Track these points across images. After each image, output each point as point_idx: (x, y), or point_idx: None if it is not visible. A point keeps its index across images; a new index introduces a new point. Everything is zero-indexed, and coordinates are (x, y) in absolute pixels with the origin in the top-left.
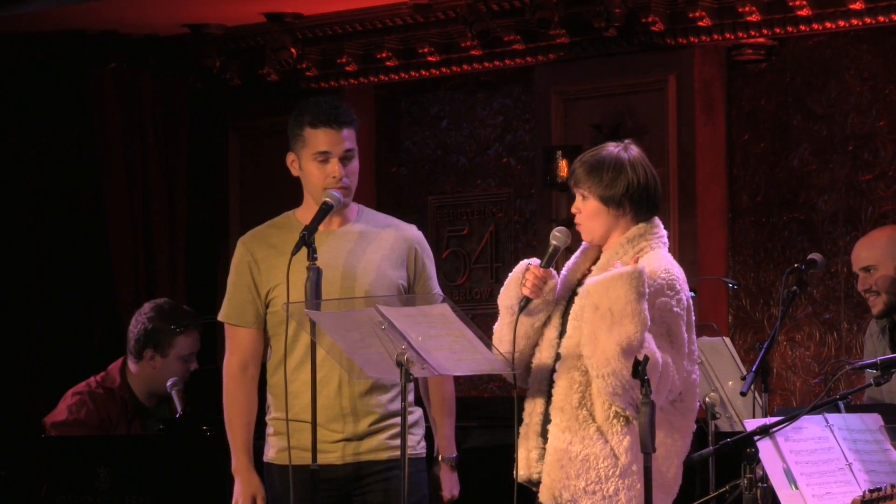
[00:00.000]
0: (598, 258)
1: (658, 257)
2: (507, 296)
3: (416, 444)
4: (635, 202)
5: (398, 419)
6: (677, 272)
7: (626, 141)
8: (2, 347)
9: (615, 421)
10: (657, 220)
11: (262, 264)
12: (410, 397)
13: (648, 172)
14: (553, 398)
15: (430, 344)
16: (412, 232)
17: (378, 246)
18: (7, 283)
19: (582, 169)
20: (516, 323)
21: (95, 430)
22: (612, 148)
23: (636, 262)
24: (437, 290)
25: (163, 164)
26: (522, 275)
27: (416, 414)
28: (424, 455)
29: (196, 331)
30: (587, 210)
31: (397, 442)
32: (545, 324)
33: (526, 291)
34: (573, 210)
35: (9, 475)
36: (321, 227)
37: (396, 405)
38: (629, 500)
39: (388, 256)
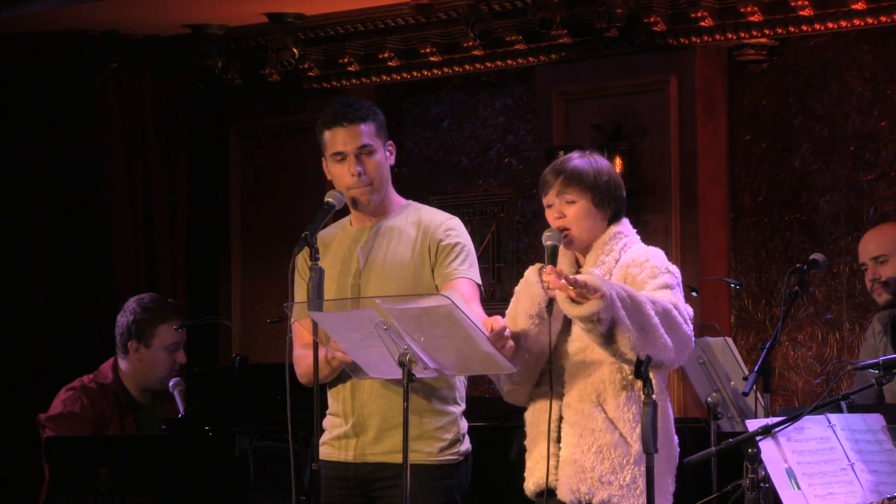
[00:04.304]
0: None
1: (638, 248)
2: (531, 304)
3: (437, 450)
4: (619, 204)
5: (424, 420)
6: (652, 254)
7: (589, 151)
8: (2, 347)
9: (625, 409)
10: (626, 220)
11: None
12: (449, 393)
13: (620, 178)
14: (564, 398)
15: (435, 344)
16: (439, 220)
17: (406, 239)
18: (8, 283)
19: (566, 175)
20: (549, 325)
21: (90, 424)
22: (587, 156)
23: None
24: (463, 269)
25: (164, 165)
26: (539, 279)
27: (447, 417)
28: (454, 461)
29: (180, 321)
30: (576, 213)
31: (419, 444)
32: None
33: (554, 294)
34: (555, 216)
35: (9, 475)
36: (358, 225)
37: (434, 405)
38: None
39: (413, 248)
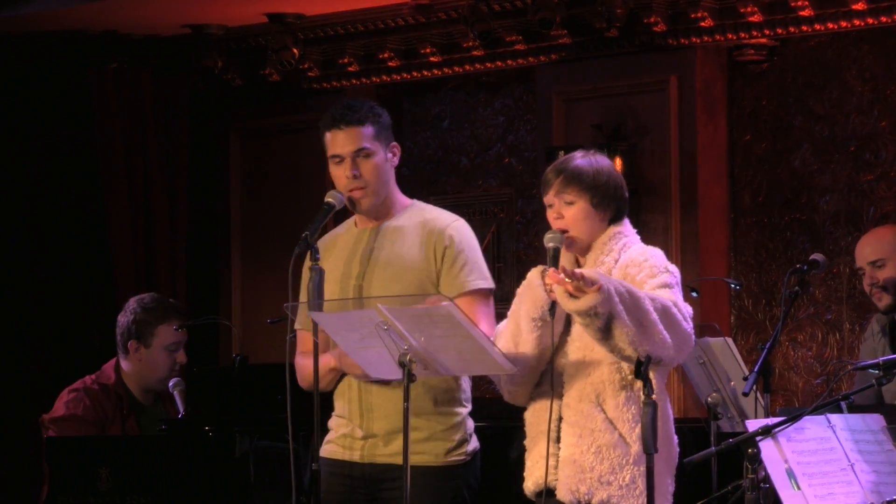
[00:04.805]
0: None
1: (637, 248)
2: (533, 307)
3: (443, 452)
4: (620, 204)
5: (431, 421)
6: (651, 254)
7: (593, 150)
8: (2, 347)
9: (625, 409)
10: (627, 221)
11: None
12: (455, 395)
13: (622, 178)
14: (564, 398)
15: (436, 345)
16: (443, 222)
17: (409, 240)
18: (7, 283)
19: (566, 175)
20: (552, 328)
21: (92, 425)
22: (589, 156)
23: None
24: (471, 280)
25: (164, 165)
26: (541, 282)
27: (455, 417)
28: (461, 462)
29: (180, 321)
30: (575, 214)
31: (428, 446)
32: None
33: (557, 296)
34: (554, 216)
35: (9, 475)
36: (362, 226)
37: (441, 407)
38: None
39: (416, 249)
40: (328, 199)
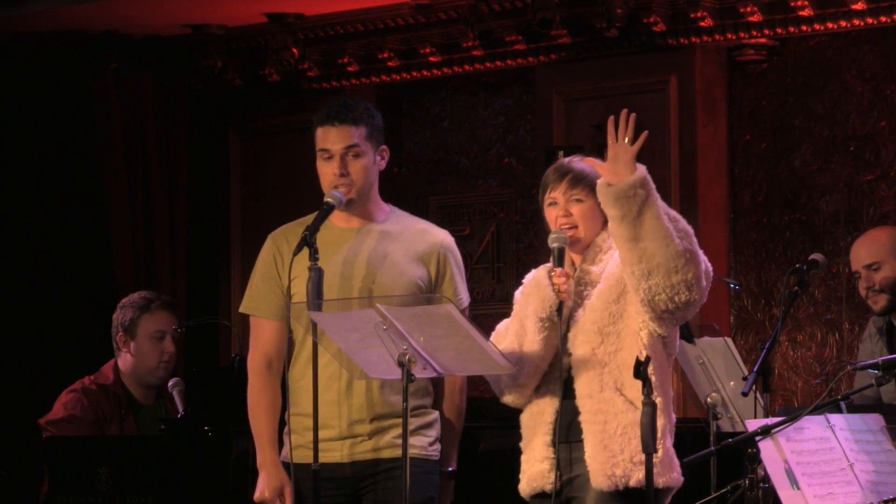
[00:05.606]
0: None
1: None
2: (541, 307)
3: (426, 445)
4: None
5: (411, 418)
6: None
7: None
8: (2, 347)
9: (636, 385)
10: None
11: (286, 257)
12: (428, 400)
13: None
14: (577, 393)
15: (435, 344)
16: (440, 237)
17: (401, 245)
18: (8, 283)
19: (575, 175)
20: (560, 328)
21: (91, 426)
22: (586, 160)
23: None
24: (462, 297)
25: (164, 165)
26: (550, 282)
27: (430, 416)
28: (437, 458)
29: (164, 311)
30: (582, 212)
31: (413, 439)
32: None
33: (565, 297)
34: (560, 213)
35: (9, 475)
36: (343, 225)
37: (411, 404)
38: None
39: (411, 255)
40: (327, 199)
